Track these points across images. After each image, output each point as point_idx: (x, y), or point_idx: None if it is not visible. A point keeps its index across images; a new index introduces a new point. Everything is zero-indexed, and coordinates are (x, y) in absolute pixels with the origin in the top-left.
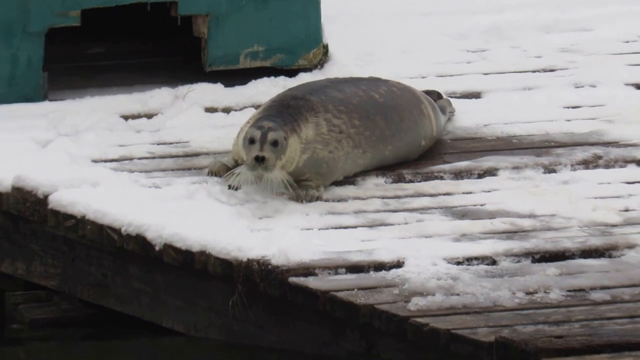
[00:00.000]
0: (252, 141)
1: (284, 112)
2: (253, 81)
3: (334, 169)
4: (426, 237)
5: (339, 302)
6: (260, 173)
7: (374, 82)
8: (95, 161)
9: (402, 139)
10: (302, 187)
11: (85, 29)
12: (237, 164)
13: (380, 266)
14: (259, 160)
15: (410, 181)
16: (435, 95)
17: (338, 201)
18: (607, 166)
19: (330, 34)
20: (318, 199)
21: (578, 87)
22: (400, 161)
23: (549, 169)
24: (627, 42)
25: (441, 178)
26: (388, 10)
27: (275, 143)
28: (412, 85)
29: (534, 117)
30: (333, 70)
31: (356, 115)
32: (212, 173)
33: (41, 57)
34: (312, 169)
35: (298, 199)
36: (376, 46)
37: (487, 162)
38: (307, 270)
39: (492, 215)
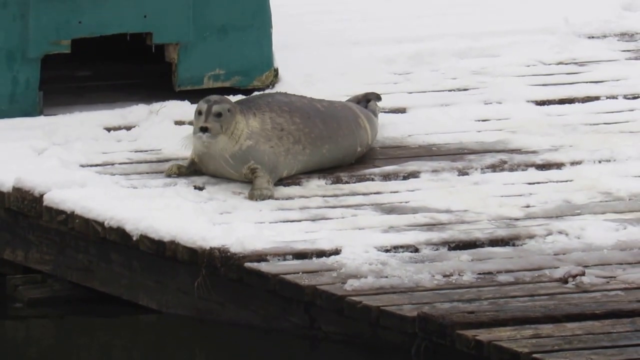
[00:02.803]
0: (199, 113)
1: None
2: None
3: (276, 163)
4: (360, 229)
5: (287, 283)
6: (207, 142)
7: (319, 99)
8: (82, 166)
9: (338, 142)
10: (255, 188)
11: (76, 54)
12: (192, 164)
13: (321, 253)
14: (203, 130)
15: (347, 182)
16: (373, 96)
17: (286, 199)
18: (511, 170)
19: (280, 59)
20: (270, 197)
21: (487, 104)
22: (338, 163)
23: (463, 172)
24: (528, 66)
25: (372, 179)
26: (328, 39)
27: (219, 114)
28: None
29: (450, 129)
30: (282, 89)
31: (297, 114)
32: (169, 173)
33: (37, 79)
34: (254, 157)
35: (252, 198)
36: (318, 69)
37: (411, 166)
38: (260, 257)
39: (415, 210)
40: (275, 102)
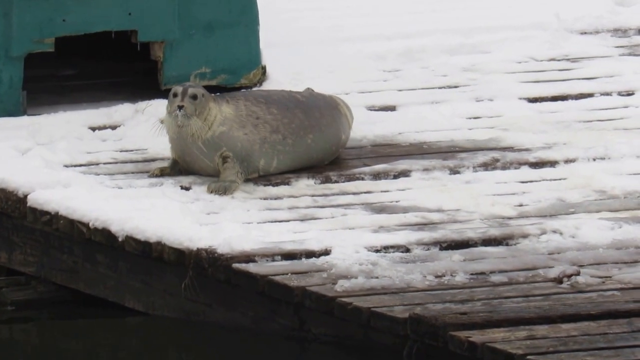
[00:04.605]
0: (175, 95)
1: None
2: None
3: (250, 151)
4: (350, 229)
5: (276, 284)
6: (181, 121)
7: (299, 90)
8: (67, 166)
9: (322, 131)
10: (220, 180)
11: (60, 53)
12: (175, 163)
13: (310, 254)
14: (179, 107)
15: (336, 182)
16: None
17: (274, 199)
18: (504, 168)
19: (268, 57)
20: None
21: (478, 101)
22: (326, 154)
23: (454, 171)
24: (520, 62)
25: (362, 179)
26: (316, 37)
27: (194, 97)
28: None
29: (441, 127)
30: (270, 87)
31: (274, 106)
32: (154, 175)
33: (21, 78)
34: (227, 144)
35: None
36: (307, 67)
37: (401, 164)
38: (248, 257)
39: (405, 210)
40: (251, 94)
